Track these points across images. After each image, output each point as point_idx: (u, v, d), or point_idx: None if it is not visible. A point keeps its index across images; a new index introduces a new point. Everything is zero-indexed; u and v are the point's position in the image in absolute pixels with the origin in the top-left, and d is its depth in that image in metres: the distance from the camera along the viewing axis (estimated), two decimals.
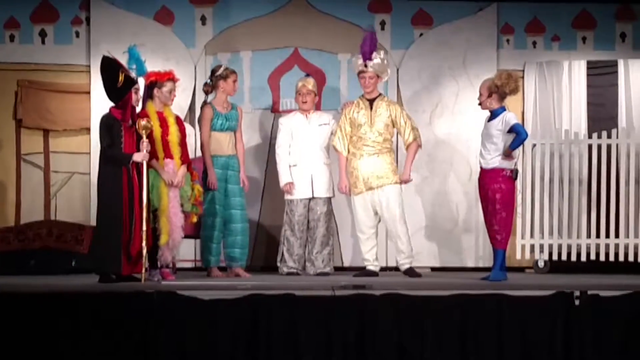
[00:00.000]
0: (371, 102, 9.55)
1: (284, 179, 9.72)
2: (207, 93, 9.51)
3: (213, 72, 9.52)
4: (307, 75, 10.18)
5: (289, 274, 9.69)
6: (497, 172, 8.90)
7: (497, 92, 8.94)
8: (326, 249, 9.80)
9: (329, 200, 9.83)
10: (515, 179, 8.98)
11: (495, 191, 8.87)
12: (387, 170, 9.47)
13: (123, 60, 8.50)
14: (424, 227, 10.73)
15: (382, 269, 10.37)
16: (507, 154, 8.88)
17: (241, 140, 9.57)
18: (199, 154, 9.93)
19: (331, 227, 9.90)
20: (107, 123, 8.30)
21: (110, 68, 8.31)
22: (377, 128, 9.49)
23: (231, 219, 9.38)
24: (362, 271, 9.56)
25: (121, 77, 8.23)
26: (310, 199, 9.76)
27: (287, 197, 9.76)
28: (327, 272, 9.73)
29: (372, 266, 9.53)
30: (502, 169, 8.90)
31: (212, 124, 9.36)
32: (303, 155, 9.77)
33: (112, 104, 8.40)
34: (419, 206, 10.65)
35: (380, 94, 9.64)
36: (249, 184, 9.60)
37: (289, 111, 10.31)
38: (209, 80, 9.50)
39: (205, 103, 9.48)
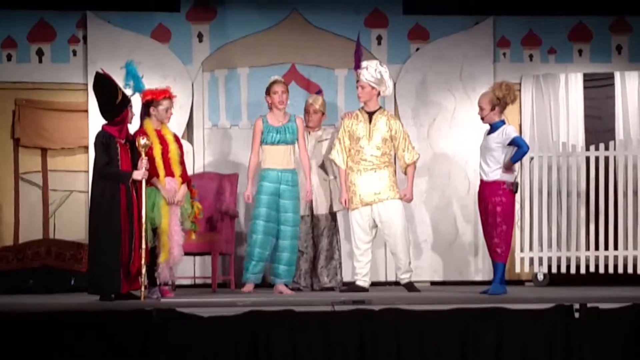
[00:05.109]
0: (370, 115, 9.38)
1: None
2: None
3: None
4: (319, 92, 10.17)
5: (292, 289, 9.65)
6: (497, 185, 8.86)
7: (499, 104, 8.92)
8: (331, 263, 9.80)
9: (332, 216, 9.81)
10: (516, 191, 8.95)
11: (496, 204, 8.83)
12: (386, 186, 9.30)
13: (118, 76, 8.47)
14: (423, 242, 10.74)
15: (382, 284, 10.38)
16: (508, 166, 8.87)
17: (304, 151, 9.38)
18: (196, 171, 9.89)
19: (336, 241, 9.86)
20: (104, 141, 8.18)
21: (104, 85, 8.21)
22: (375, 142, 9.31)
23: (280, 235, 9.21)
24: (350, 286, 9.44)
25: (119, 95, 8.20)
26: (312, 216, 9.76)
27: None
28: (332, 287, 9.71)
29: (362, 281, 9.34)
30: (502, 182, 8.86)
31: (263, 138, 9.27)
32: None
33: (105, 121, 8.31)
34: (417, 220, 10.66)
35: (380, 107, 9.44)
36: (311, 193, 9.45)
37: None
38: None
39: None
